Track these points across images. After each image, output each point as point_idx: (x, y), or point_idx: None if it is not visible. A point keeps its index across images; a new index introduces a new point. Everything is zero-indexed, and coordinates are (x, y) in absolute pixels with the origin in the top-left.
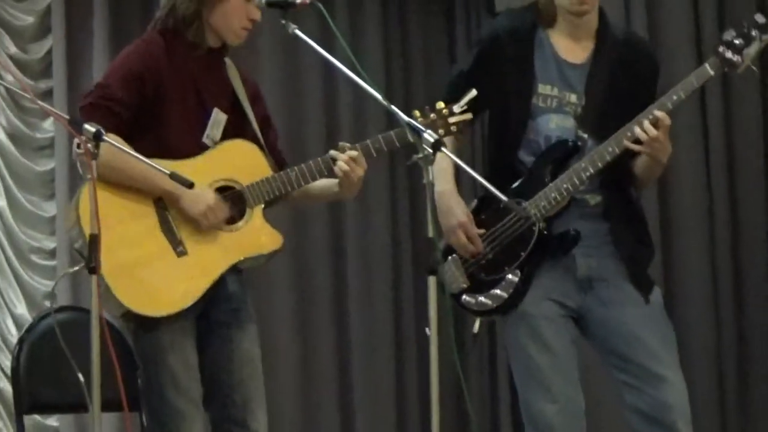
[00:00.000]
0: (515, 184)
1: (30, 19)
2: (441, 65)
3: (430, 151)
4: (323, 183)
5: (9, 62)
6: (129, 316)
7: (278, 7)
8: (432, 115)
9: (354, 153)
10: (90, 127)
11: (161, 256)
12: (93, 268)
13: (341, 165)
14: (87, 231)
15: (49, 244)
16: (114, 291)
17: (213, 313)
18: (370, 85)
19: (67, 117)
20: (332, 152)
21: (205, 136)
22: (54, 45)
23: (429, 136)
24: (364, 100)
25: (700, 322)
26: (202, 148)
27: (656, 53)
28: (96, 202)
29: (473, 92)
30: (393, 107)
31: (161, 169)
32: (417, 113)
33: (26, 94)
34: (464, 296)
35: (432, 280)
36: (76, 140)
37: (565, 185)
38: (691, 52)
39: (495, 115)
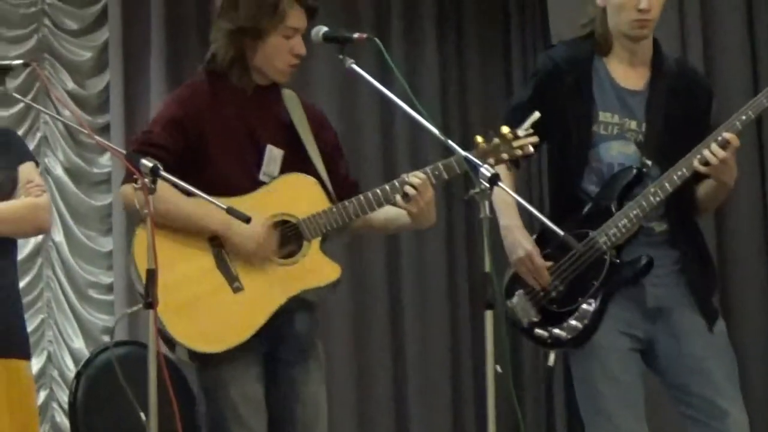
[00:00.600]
0: (581, 214)
1: (87, 55)
2: (497, 97)
3: (487, 185)
4: (390, 214)
5: (67, 98)
6: (190, 353)
7: (335, 42)
8: (495, 140)
9: (420, 177)
10: (147, 162)
11: (217, 292)
12: (150, 303)
13: (409, 190)
14: (142, 270)
15: (106, 279)
16: (169, 329)
17: (280, 351)
18: (426, 119)
19: (124, 152)
20: (394, 181)
21: (261, 173)
22: (111, 80)
23: (486, 170)
24: (421, 133)
25: (757, 351)
26: (259, 186)
27: (709, 81)
28: (153, 236)
29: (536, 114)
30: (449, 141)
31: (218, 203)
32: (479, 139)
33: (83, 130)
34: (537, 330)
35: (489, 315)
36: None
37: (634, 212)
38: (746, 80)
39: (555, 145)
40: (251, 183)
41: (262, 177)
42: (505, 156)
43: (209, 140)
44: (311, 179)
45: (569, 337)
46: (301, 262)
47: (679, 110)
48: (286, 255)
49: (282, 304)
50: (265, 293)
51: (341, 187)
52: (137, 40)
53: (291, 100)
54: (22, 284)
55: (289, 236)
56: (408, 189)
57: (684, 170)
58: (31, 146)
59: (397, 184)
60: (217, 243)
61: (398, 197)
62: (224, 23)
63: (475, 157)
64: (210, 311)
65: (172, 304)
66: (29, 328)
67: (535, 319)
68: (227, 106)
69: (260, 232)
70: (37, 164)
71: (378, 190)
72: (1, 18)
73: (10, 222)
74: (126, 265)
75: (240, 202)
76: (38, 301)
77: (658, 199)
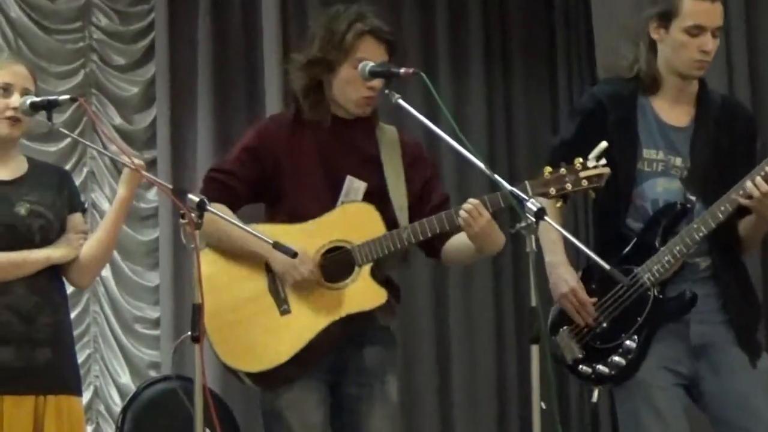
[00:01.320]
0: (625, 250)
1: (134, 90)
2: (544, 132)
3: (533, 219)
4: (459, 241)
5: (114, 133)
6: (250, 375)
7: (382, 77)
8: (562, 170)
9: (473, 202)
10: (194, 197)
11: (265, 315)
12: (196, 337)
13: (462, 214)
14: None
15: (153, 313)
16: (215, 347)
17: (344, 384)
18: (472, 153)
19: (171, 187)
20: (450, 210)
21: (339, 203)
22: (158, 115)
23: (532, 204)
24: (467, 167)
25: None
26: None
27: (754, 115)
28: (200, 271)
29: (604, 144)
30: (495, 176)
31: (264, 237)
32: (548, 169)
33: (131, 165)
34: (581, 366)
35: (535, 350)
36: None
37: (678, 247)
38: None
39: None
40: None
41: (339, 207)
42: (569, 186)
43: (284, 171)
44: (372, 208)
45: (613, 373)
46: (349, 286)
47: (724, 145)
48: (339, 280)
49: (326, 327)
50: (311, 316)
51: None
52: (184, 75)
53: (387, 134)
54: None
55: (343, 262)
56: (461, 213)
57: (727, 205)
58: (78, 181)
59: (452, 210)
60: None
61: (460, 219)
62: (299, 56)
63: (537, 187)
64: (256, 332)
65: (220, 325)
66: None
67: (580, 356)
68: (304, 137)
69: (305, 264)
70: (85, 212)
71: (433, 217)
72: (48, 53)
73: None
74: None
75: (300, 229)
76: (85, 335)
77: (701, 234)
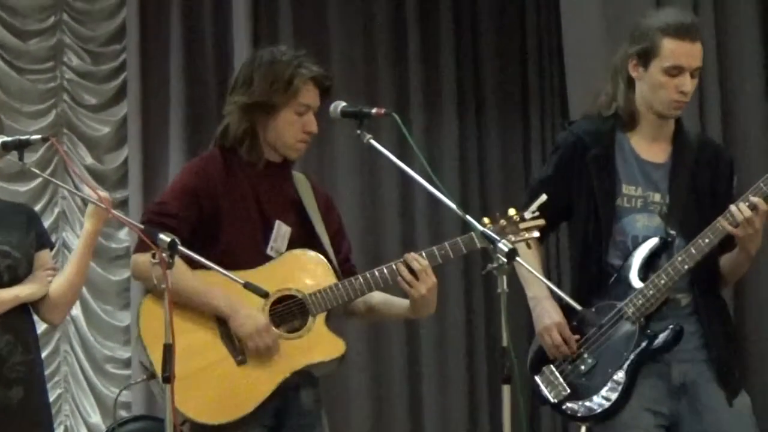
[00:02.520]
0: (606, 286)
1: (106, 130)
2: (516, 172)
3: (505, 260)
4: (391, 300)
5: (85, 173)
6: (193, 425)
7: (354, 118)
8: (502, 222)
9: (422, 263)
10: (165, 237)
11: (222, 365)
12: (167, 377)
13: (405, 275)
14: (148, 343)
15: (124, 353)
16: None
17: (286, 425)
18: (444, 194)
19: (142, 226)
20: (399, 260)
21: (269, 248)
22: (129, 155)
23: (503, 245)
24: (440, 207)
25: None
26: (266, 260)
27: (729, 152)
28: (171, 311)
29: (543, 197)
30: (467, 216)
31: (236, 278)
32: (487, 220)
33: (102, 205)
34: (567, 404)
35: (506, 389)
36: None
37: (662, 281)
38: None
39: (579, 219)
40: (259, 257)
41: (269, 252)
42: (512, 238)
43: (223, 212)
44: (318, 255)
45: (601, 409)
46: (305, 336)
47: (702, 181)
48: (292, 329)
49: (286, 378)
50: (269, 367)
51: (342, 268)
52: (156, 115)
53: (300, 181)
54: None
55: (295, 311)
56: (409, 270)
57: (711, 235)
58: (50, 221)
59: (402, 264)
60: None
61: (401, 279)
62: (238, 97)
63: (483, 239)
64: (214, 383)
65: (177, 376)
66: None
67: (565, 393)
68: (239, 179)
69: (261, 320)
70: (53, 249)
71: (384, 268)
72: (20, 93)
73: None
74: (132, 332)
75: (247, 276)
76: (56, 375)
77: (686, 266)
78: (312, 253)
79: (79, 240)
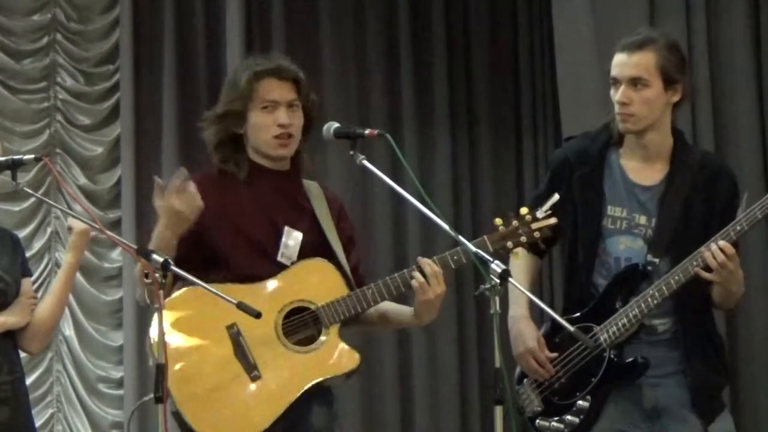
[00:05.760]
0: (586, 309)
1: (99, 150)
2: (509, 193)
3: (497, 281)
4: (399, 306)
5: (78, 193)
6: None
7: (347, 138)
8: (515, 222)
9: (434, 268)
10: (158, 257)
11: (236, 382)
12: (159, 397)
13: (418, 277)
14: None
15: (116, 373)
16: (189, 420)
17: None
18: (437, 215)
19: (135, 247)
20: (414, 265)
21: (279, 254)
22: (123, 175)
23: (496, 266)
24: (432, 227)
25: None
26: (280, 267)
27: (734, 173)
28: (163, 332)
29: (556, 197)
30: (459, 237)
31: (228, 298)
32: (499, 220)
33: (95, 225)
34: (538, 420)
35: (498, 411)
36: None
37: (633, 312)
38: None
39: (565, 238)
40: (271, 266)
41: (280, 258)
42: (524, 239)
43: (222, 226)
44: (330, 265)
45: (568, 430)
46: (319, 349)
47: (697, 208)
48: (305, 341)
49: (301, 392)
50: (283, 382)
51: (353, 278)
52: (149, 135)
53: (312, 189)
54: (32, 378)
55: (309, 322)
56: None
57: (681, 275)
58: (42, 241)
59: (415, 269)
60: (235, 330)
61: (414, 282)
62: (208, 113)
63: (495, 241)
64: (229, 401)
65: (191, 395)
66: (38, 422)
67: (538, 409)
68: (239, 192)
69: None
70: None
71: (396, 276)
72: (13, 113)
73: None
74: (147, 346)
75: (258, 290)
76: (48, 395)
77: (655, 302)
78: (325, 263)
79: (60, 271)
